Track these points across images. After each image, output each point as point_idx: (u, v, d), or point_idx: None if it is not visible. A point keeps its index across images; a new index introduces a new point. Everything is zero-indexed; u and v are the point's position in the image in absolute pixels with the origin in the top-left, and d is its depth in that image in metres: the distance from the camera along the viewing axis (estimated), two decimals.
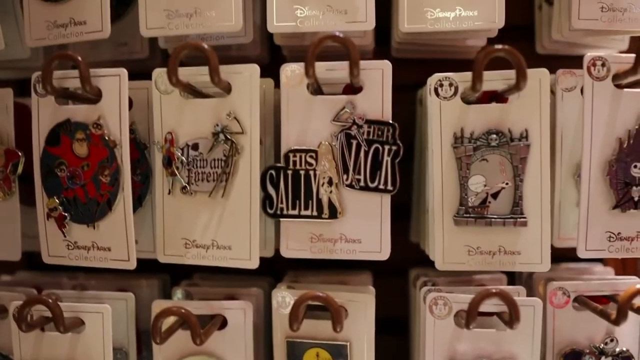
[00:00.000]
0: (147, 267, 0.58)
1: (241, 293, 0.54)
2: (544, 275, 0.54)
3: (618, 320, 0.44)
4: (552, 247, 0.48)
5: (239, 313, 0.51)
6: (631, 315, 0.50)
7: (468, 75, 0.44)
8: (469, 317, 0.44)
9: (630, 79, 0.45)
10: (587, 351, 0.51)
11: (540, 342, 0.48)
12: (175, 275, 0.60)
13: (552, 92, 0.50)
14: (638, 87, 0.46)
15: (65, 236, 0.48)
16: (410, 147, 0.59)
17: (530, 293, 0.53)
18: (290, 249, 0.48)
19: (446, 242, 0.47)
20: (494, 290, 0.43)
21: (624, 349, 0.51)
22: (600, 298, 0.51)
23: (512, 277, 0.58)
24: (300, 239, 0.48)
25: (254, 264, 0.47)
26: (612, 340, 0.51)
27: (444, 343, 0.47)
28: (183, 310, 0.45)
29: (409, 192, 0.62)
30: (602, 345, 0.51)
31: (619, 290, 0.50)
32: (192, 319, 0.45)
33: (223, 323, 0.51)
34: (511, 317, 0.44)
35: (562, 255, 0.57)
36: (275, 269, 0.58)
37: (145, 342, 0.56)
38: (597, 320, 0.51)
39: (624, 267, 0.59)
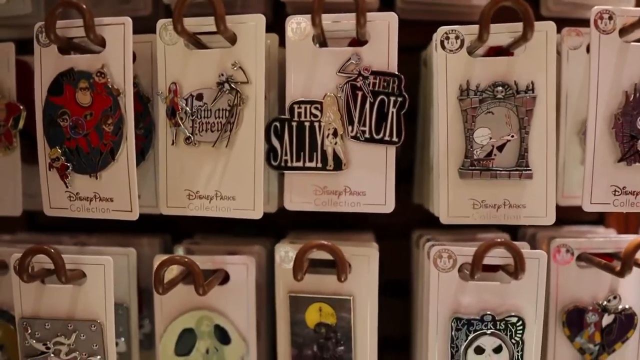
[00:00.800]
0: (149, 227, 0.58)
1: (243, 250, 0.54)
2: (548, 234, 0.54)
3: (623, 272, 0.44)
4: (556, 207, 0.48)
5: (242, 268, 0.50)
6: (634, 272, 0.51)
7: (474, 28, 0.44)
8: (474, 267, 0.43)
9: (637, 32, 0.45)
10: (590, 308, 0.51)
11: (544, 297, 0.48)
12: (177, 235, 0.60)
13: (558, 53, 0.50)
14: None
15: (67, 187, 0.47)
16: (414, 109, 0.59)
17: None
18: (295, 202, 0.48)
19: (451, 196, 0.47)
20: (499, 240, 0.43)
21: (627, 306, 0.51)
22: (603, 256, 0.51)
23: (515, 238, 0.58)
24: (304, 192, 0.48)
25: (257, 214, 0.46)
26: (615, 298, 0.51)
27: (448, 296, 0.47)
28: (186, 260, 0.45)
29: (412, 155, 0.62)
30: (605, 302, 0.51)
31: (622, 247, 0.49)
32: (195, 268, 0.45)
33: (225, 279, 0.51)
34: (516, 268, 0.44)
35: (565, 218, 0.57)
36: (277, 229, 0.58)
37: (146, 301, 0.56)
38: (600, 278, 0.51)
39: (627, 228, 0.59)
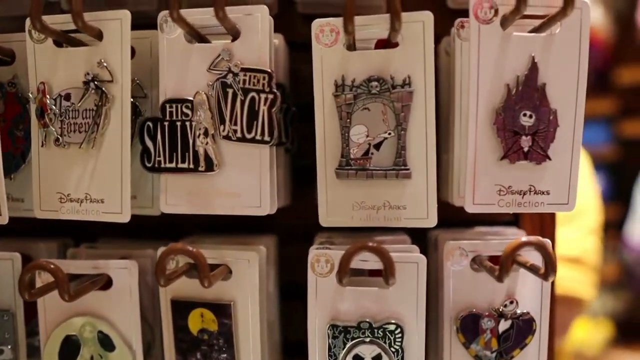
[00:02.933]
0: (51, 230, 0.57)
1: (135, 254, 0.52)
2: (450, 236, 0.52)
3: (501, 275, 0.42)
4: (460, 209, 0.45)
5: (124, 272, 0.49)
6: (531, 276, 0.48)
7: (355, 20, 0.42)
8: (340, 271, 0.41)
9: (520, 22, 0.43)
10: (486, 314, 0.48)
11: (436, 303, 0.46)
12: (80, 238, 0.59)
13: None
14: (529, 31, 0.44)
15: None
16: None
17: (438, 256, 0.51)
18: (170, 205, 0.47)
19: (329, 197, 0.45)
20: (369, 244, 0.41)
21: (525, 311, 0.48)
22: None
23: (425, 240, 0.56)
24: (179, 194, 0.46)
25: (125, 217, 0.45)
26: (512, 303, 0.48)
27: (327, 302, 0.45)
28: (52, 265, 0.44)
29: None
30: (502, 307, 0.48)
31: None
32: (59, 274, 0.43)
33: (109, 283, 0.49)
34: (386, 273, 0.42)
35: (479, 219, 0.55)
36: (172, 233, 0.56)
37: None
38: (496, 282, 0.48)
39: (542, 230, 0.57)
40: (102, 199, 0.45)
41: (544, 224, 0.57)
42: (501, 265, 0.42)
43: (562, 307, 0.98)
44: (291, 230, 0.58)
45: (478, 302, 0.48)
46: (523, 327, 0.48)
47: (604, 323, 2.18)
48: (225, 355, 0.48)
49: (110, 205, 0.45)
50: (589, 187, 1.04)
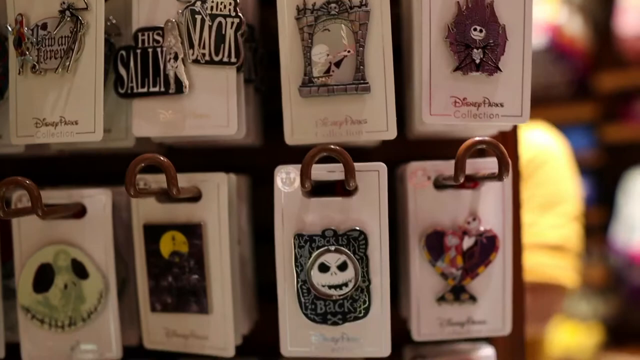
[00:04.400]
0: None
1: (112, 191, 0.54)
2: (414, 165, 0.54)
3: (457, 175, 0.44)
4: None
5: (98, 201, 0.50)
6: (493, 194, 0.50)
7: None
8: (303, 176, 0.43)
9: None
10: (450, 231, 0.50)
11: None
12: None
13: None
14: None
15: None
16: None
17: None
18: (142, 129, 0.48)
19: (294, 115, 0.47)
20: (329, 146, 0.43)
21: (487, 228, 0.50)
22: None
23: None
24: (151, 118, 0.48)
25: (97, 136, 0.47)
26: (474, 220, 0.50)
27: (292, 214, 0.46)
28: (27, 182, 0.45)
29: None
30: (465, 225, 0.50)
31: (479, 169, 0.49)
32: (34, 192, 0.45)
33: (83, 211, 0.51)
34: (347, 177, 0.43)
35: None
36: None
37: None
38: (459, 201, 0.50)
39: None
40: (76, 120, 0.47)
41: None
42: (456, 164, 0.43)
43: (546, 295, 0.99)
44: (265, 173, 0.60)
45: (442, 220, 0.50)
46: (487, 244, 0.50)
47: (593, 327, 2.17)
48: (196, 276, 0.49)
49: (83, 125, 0.47)
50: (568, 175, 1.05)
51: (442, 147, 0.55)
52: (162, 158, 0.43)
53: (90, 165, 0.61)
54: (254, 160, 0.59)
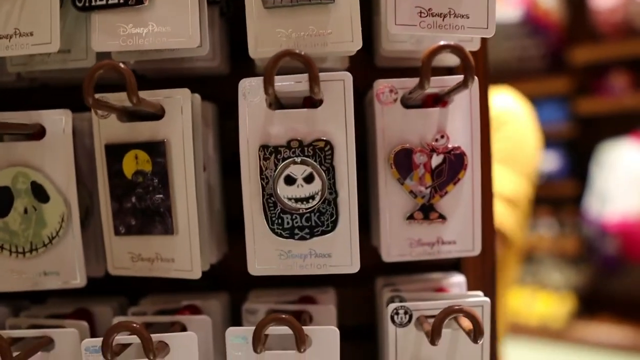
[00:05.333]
0: None
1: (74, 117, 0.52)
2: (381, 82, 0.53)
3: (422, 82, 0.43)
4: None
5: (57, 121, 0.49)
6: (461, 112, 0.50)
7: None
8: (266, 82, 0.42)
9: None
10: (418, 149, 0.50)
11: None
12: None
13: None
14: None
15: None
16: None
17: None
18: (102, 44, 0.47)
19: (258, 29, 0.46)
20: (294, 51, 0.42)
21: (456, 145, 0.50)
22: (429, 96, 0.50)
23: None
24: (111, 32, 0.47)
25: (54, 46, 0.45)
26: (442, 137, 0.50)
27: (257, 126, 0.46)
28: None
29: None
30: (433, 142, 0.50)
31: (445, 85, 0.49)
32: None
33: (42, 133, 0.49)
34: (311, 85, 0.43)
35: None
36: None
37: None
38: (427, 119, 0.50)
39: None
40: (31, 31, 0.45)
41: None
42: (422, 70, 0.43)
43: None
44: (233, 105, 0.59)
45: (410, 138, 0.50)
46: (455, 162, 0.50)
47: (567, 297, 2.22)
48: (160, 195, 0.48)
49: (39, 36, 0.45)
50: (530, 137, 1.07)
51: (410, 75, 0.55)
52: (121, 65, 0.42)
53: (51, 96, 0.59)
54: (223, 92, 0.58)
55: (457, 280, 0.58)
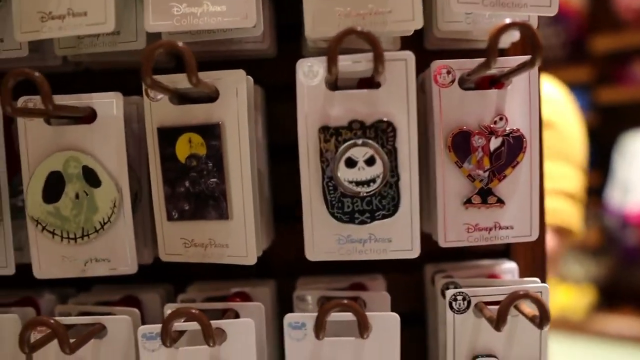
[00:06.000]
0: None
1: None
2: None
3: (489, 61, 0.42)
4: None
5: (108, 105, 0.48)
6: (519, 94, 0.49)
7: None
8: (330, 61, 0.41)
9: None
10: (476, 131, 0.48)
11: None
12: None
13: None
14: None
15: None
16: None
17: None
18: (155, 23, 0.46)
19: (316, 8, 0.45)
20: (358, 28, 0.41)
21: (514, 128, 0.48)
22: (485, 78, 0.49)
23: None
24: (164, 12, 0.45)
25: (109, 26, 0.44)
26: (501, 119, 0.48)
27: (316, 108, 0.44)
28: (36, 74, 0.43)
29: None
30: (492, 124, 0.48)
31: (503, 66, 0.47)
32: (44, 86, 0.42)
33: (93, 117, 0.48)
34: (376, 65, 0.41)
35: None
36: None
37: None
38: (485, 100, 0.49)
39: None
40: (85, 11, 0.44)
41: None
42: (489, 48, 0.41)
43: (556, 237, 0.99)
44: (278, 90, 0.58)
45: (468, 121, 0.48)
46: (514, 145, 0.48)
47: (587, 288, 2.20)
48: (215, 179, 0.47)
49: (93, 16, 0.44)
50: (579, 126, 1.06)
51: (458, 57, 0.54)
52: (181, 44, 0.41)
53: (95, 81, 0.58)
54: (268, 75, 0.57)
55: (509, 266, 0.57)
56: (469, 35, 0.54)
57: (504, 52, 0.58)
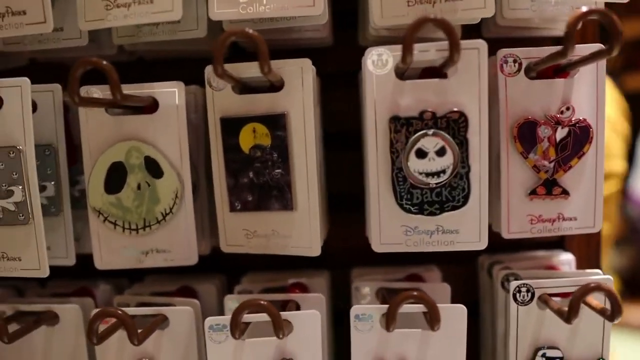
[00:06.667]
0: None
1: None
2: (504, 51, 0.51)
3: (566, 49, 0.41)
4: None
5: (170, 94, 0.48)
6: (586, 84, 0.48)
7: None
8: (405, 50, 0.40)
9: None
10: (542, 121, 0.48)
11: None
12: None
13: None
14: None
15: None
16: None
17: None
18: (221, 11, 0.45)
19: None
20: (434, 17, 0.40)
21: (581, 118, 0.48)
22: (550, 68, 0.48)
23: None
24: (229, 0, 0.45)
25: (176, 15, 0.43)
26: (568, 109, 0.48)
27: (385, 98, 0.44)
28: (104, 63, 0.42)
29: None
30: (558, 114, 0.48)
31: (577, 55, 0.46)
32: (113, 75, 0.42)
33: (154, 107, 0.48)
34: (451, 52, 0.41)
35: None
36: None
37: (80, 155, 0.53)
38: (551, 89, 0.48)
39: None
40: None
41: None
42: (566, 37, 0.41)
43: None
44: (332, 79, 0.57)
45: (534, 110, 0.48)
46: (580, 135, 0.48)
47: None
48: (279, 170, 0.46)
49: (160, 4, 0.44)
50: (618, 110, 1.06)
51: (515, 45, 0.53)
52: (252, 31, 0.40)
53: (148, 71, 0.58)
54: (323, 64, 0.56)
55: (566, 258, 0.57)
56: (529, 23, 0.53)
57: (559, 41, 0.57)
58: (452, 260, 0.57)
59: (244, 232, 0.48)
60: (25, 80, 0.45)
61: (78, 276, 0.58)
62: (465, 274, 0.60)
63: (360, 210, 0.59)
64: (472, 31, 0.56)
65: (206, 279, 0.56)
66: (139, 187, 0.48)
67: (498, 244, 0.55)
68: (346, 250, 0.59)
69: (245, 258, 0.52)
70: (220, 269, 0.60)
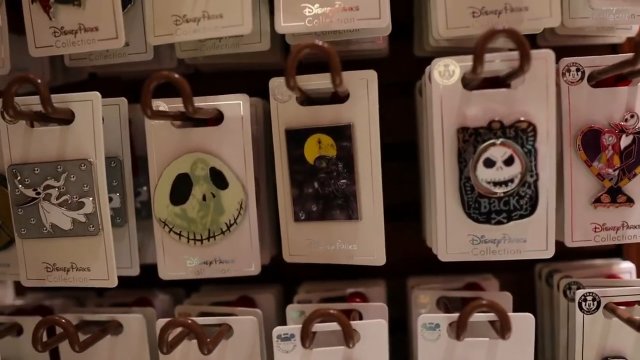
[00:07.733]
0: None
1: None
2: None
3: (636, 58, 0.41)
4: None
5: (236, 106, 0.48)
6: None
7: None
8: (476, 61, 0.40)
9: None
10: (606, 129, 0.48)
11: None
12: None
13: None
14: None
15: (51, 19, 0.46)
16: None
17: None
18: (287, 25, 0.46)
19: (449, 5, 0.45)
20: (500, 28, 0.40)
21: None
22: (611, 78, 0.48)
23: None
24: (296, 13, 0.45)
25: (246, 28, 0.44)
26: (632, 117, 0.48)
27: (452, 108, 0.44)
28: (176, 76, 0.43)
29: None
30: (622, 122, 0.48)
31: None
32: (185, 87, 0.43)
33: (220, 118, 0.49)
34: (522, 62, 0.41)
35: None
36: None
37: (142, 168, 0.54)
38: (615, 97, 0.48)
39: None
40: (221, 13, 0.45)
41: None
42: (636, 45, 0.41)
43: None
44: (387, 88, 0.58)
45: (598, 118, 0.48)
46: None
47: None
48: (344, 180, 0.47)
49: (229, 18, 0.44)
50: None
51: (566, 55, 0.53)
52: (325, 44, 0.41)
53: (204, 84, 0.59)
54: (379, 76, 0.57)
55: (626, 266, 0.56)
56: (585, 31, 0.53)
57: (616, 48, 0.57)
58: (505, 268, 0.57)
59: (307, 241, 0.49)
60: (97, 94, 0.46)
61: (133, 286, 0.59)
62: (519, 282, 0.60)
63: (413, 220, 0.60)
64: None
65: (263, 289, 0.57)
66: (204, 198, 0.49)
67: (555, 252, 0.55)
68: (399, 259, 0.60)
69: (299, 268, 0.52)
70: (274, 279, 0.60)
